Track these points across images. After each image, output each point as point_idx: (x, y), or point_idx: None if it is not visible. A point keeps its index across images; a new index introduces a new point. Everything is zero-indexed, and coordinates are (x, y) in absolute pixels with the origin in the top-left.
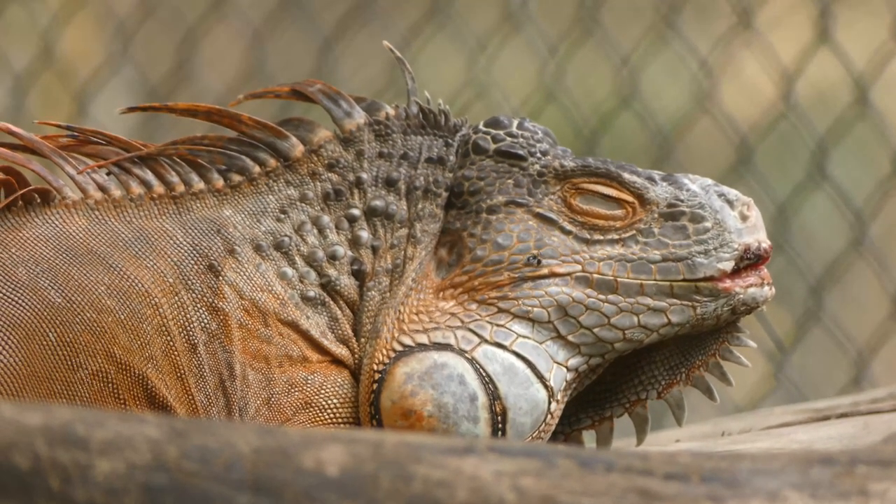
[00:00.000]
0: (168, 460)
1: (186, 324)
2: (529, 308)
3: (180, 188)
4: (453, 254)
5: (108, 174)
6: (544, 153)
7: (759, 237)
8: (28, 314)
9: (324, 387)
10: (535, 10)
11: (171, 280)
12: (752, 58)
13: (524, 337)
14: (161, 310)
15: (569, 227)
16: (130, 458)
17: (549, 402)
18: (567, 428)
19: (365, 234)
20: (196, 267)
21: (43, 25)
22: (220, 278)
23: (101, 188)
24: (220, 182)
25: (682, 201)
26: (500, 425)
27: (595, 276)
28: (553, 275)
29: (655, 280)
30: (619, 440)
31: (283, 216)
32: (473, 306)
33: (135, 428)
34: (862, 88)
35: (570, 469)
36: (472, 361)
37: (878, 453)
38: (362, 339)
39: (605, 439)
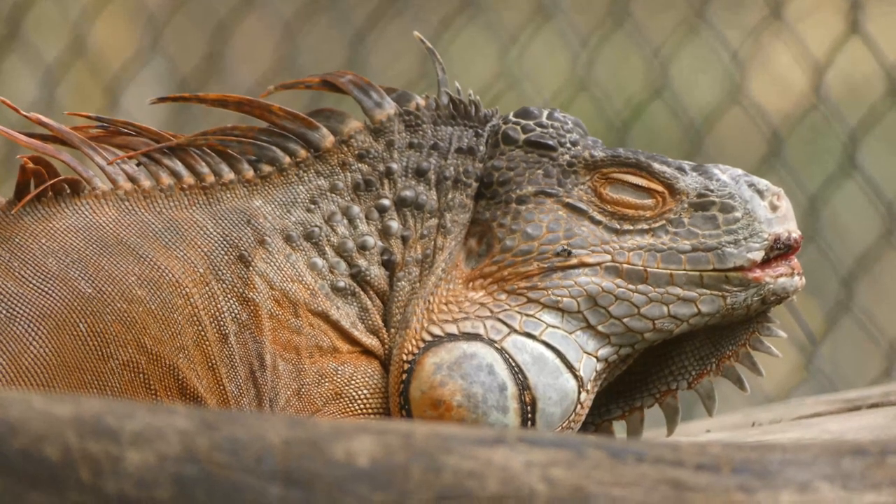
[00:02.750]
0: (199, 452)
1: (217, 314)
2: (559, 298)
3: (210, 179)
4: (483, 244)
5: (138, 165)
6: (574, 143)
7: (789, 227)
8: (58, 305)
9: (354, 377)
10: (567, 1)
11: (201, 270)
12: (783, 49)
13: (554, 327)
14: (192, 300)
15: (598, 217)
16: (161, 450)
17: (579, 392)
18: (597, 418)
19: (395, 225)
20: (226, 257)
21: (74, 17)
22: (251, 269)
23: (131, 179)
24: (250, 172)
25: (711, 191)
26: (529, 415)
27: (625, 265)
28: (583, 265)
29: (685, 270)
30: (650, 430)
31: (313, 206)
32: (503, 296)
33: (165, 419)
34: (893, 80)
35: (600, 460)
36: (502, 351)
37: None
38: (392, 330)
39: (636, 430)
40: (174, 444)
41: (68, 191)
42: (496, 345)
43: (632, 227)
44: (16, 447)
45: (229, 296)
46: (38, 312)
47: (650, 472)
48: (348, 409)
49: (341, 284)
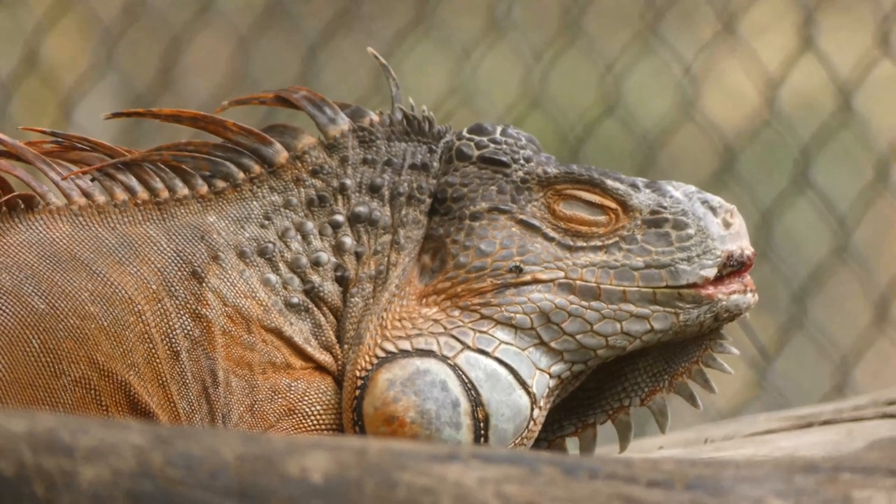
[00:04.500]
0: (153, 467)
1: (169, 331)
2: (512, 314)
3: (164, 194)
4: (437, 260)
5: (92, 180)
6: (528, 160)
7: (742, 244)
8: (11, 320)
9: (307, 393)
10: (520, 17)
11: (154, 287)
12: (737, 65)
13: (507, 343)
14: (144, 317)
15: (552, 233)
16: (115, 465)
17: (532, 409)
18: (550, 435)
19: (348, 241)
20: (180, 273)
21: (27, 31)
22: (204, 285)
23: (86, 194)
24: (204, 188)
25: (665, 208)
26: (482, 431)
27: (578, 282)
28: (536, 281)
29: (638, 287)
30: (603, 447)
31: (267, 222)
32: (456, 313)
33: (119, 435)
34: (846, 95)
35: (553, 476)
36: (455, 368)
37: (862, 460)
38: (346, 346)
39: (588, 446)
40: (128, 459)
41: (22, 206)
42: (449, 361)
43: (585, 244)
44: None
45: (182, 312)
46: None
47: (603, 488)
48: (301, 425)
49: (295, 300)
